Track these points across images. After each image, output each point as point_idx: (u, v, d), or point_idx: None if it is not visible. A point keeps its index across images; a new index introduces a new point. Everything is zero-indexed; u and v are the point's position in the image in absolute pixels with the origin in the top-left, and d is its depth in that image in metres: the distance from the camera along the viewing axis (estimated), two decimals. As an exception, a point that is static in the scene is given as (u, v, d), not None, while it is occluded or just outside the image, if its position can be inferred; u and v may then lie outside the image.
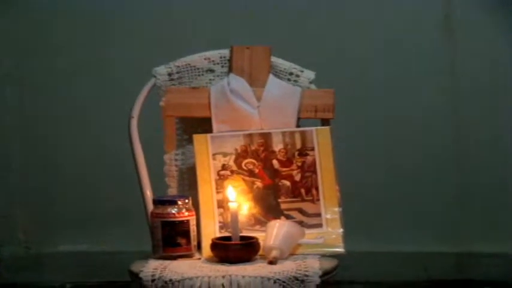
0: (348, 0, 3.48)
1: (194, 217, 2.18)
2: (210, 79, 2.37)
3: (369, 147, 3.48)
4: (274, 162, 2.28)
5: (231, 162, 2.27)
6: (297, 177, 2.26)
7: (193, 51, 2.39)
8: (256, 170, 2.27)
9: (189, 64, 2.37)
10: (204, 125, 2.33)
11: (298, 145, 2.28)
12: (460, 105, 3.49)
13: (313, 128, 2.29)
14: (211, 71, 2.38)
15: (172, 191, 2.34)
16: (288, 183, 2.26)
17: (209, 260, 2.13)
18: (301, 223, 2.21)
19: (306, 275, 1.99)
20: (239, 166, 2.27)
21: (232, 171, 2.26)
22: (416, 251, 3.49)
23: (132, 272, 2.07)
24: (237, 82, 2.32)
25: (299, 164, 2.27)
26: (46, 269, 3.60)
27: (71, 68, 3.55)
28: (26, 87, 3.58)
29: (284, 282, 1.97)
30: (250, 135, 2.28)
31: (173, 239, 2.13)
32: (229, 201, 2.17)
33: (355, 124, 3.39)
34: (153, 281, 2.00)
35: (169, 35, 3.46)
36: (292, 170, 2.27)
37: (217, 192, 2.24)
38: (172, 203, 2.15)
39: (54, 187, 3.58)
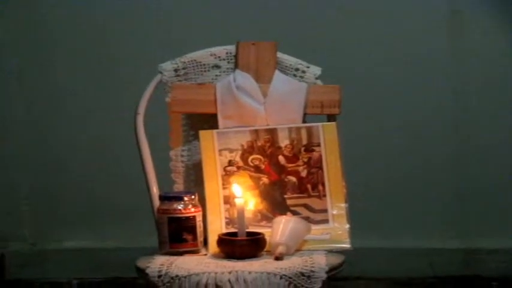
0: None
1: (200, 213, 2.18)
2: (216, 75, 2.37)
3: (374, 144, 3.47)
4: (281, 158, 2.28)
5: (237, 158, 2.27)
6: (303, 173, 2.26)
7: (199, 48, 2.39)
8: (263, 166, 2.27)
9: (195, 60, 2.37)
10: (210, 121, 2.33)
11: (305, 141, 2.28)
12: (464, 102, 3.48)
13: (320, 124, 2.28)
14: (217, 67, 2.37)
15: (179, 187, 2.35)
16: (294, 179, 2.26)
17: (215, 256, 2.13)
18: (307, 219, 2.21)
19: (313, 271, 1.99)
20: (245, 162, 2.27)
21: (238, 167, 2.26)
22: (423, 247, 3.48)
23: (139, 268, 2.08)
24: (243, 78, 2.32)
25: (305, 159, 2.27)
26: (51, 265, 3.60)
27: (76, 65, 3.55)
28: (32, 85, 3.58)
29: (290, 278, 1.97)
30: (256, 131, 2.28)
31: (179, 234, 2.13)
32: (235, 197, 2.17)
33: (361, 120, 3.38)
34: (159, 276, 2.00)
35: (176, 31, 3.45)
36: (299, 165, 2.27)
37: (224, 188, 2.24)
38: (179, 199, 2.15)
39: (59, 183, 3.58)
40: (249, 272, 1.97)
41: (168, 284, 1.98)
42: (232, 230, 2.18)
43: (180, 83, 2.35)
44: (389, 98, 3.48)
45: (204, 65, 2.37)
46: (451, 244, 3.49)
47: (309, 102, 2.31)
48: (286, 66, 2.36)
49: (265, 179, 2.26)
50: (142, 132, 2.32)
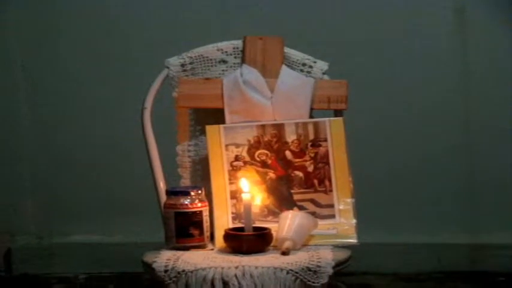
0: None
1: (207, 208, 2.18)
2: (223, 70, 2.37)
3: (382, 139, 3.47)
4: (287, 153, 2.27)
5: (244, 153, 2.26)
6: (310, 168, 2.26)
7: (206, 43, 2.39)
8: (269, 161, 2.27)
9: (201, 55, 2.36)
10: (217, 116, 2.33)
11: (311, 136, 2.28)
12: (470, 97, 3.48)
13: (326, 119, 2.28)
14: (224, 61, 2.37)
15: (185, 181, 2.35)
16: (301, 174, 2.26)
17: (222, 251, 2.13)
18: (314, 214, 2.20)
19: (319, 266, 1.99)
20: (252, 157, 2.27)
21: (245, 162, 2.26)
22: (430, 242, 3.48)
23: (145, 263, 2.08)
24: (250, 73, 2.32)
25: (312, 155, 2.27)
26: (58, 259, 3.61)
27: (82, 60, 3.56)
28: (38, 78, 3.59)
29: (297, 273, 1.97)
30: (263, 126, 2.28)
31: (186, 229, 2.13)
32: (242, 192, 2.17)
33: (369, 115, 3.38)
34: (166, 271, 2.00)
35: (183, 26, 3.45)
36: (305, 161, 2.27)
37: (230, 183, 2.24)
38: (186, 193, 2.15)
39: (66, 177, 3.59)
40: (256, 267, 1.97)
41: (175, 279, 1.98)
42: (239, 225, 2.18)
43: (187, 77, 2.35)
44: (397, 92, 3.48)
45: (211, 60, 2.37)
46: (459, 239, 3.48)
47: (316, 97, 2.31)
48: (293, 61, 2.36)
49: (271, 174, 2.26)
50: (149, 127, 2.32)
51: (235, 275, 1.96)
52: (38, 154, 3.60)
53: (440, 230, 3.49)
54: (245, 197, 2.15)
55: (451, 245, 3.49)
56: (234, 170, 2.25)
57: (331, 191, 2.24)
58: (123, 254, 3.45)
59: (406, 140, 3.48)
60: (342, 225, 2.21)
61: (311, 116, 2.31)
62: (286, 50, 2.36)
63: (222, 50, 2.37)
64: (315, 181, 2.25)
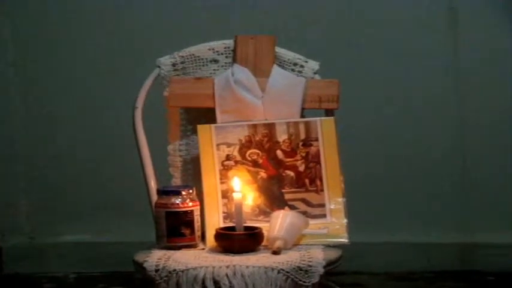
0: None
1: (198, 207, 2.18)
2: (214, 69, 2.37)
3: (373, 138, 3.48)
4: (279, 152, 2.28)
5: (235, 153, 2.26)
6: (301, 168, 2.26)
7: (197, 42, 2.39)
8: (261, 161, 2.27)
9: (193, 54, 2.36)
10: (208, 116, 2.33)
11: (303, 135, 2.28)
12: (461, 99, 3.49)
13: (318, 119, 2.28)
14: (216, 61, 2.37)
15: (177, 181, 2.34)
16: (292, 173, 2.26)
17: (213, 250, 2.13)
18: (305, 213, 2.21)
19: (310, 265, 1.99)
20: (243, 156, 2.27)
21: (236, 162, 2.26)
22: (420, 241, 3.49)
23: (136, 262, 2.07)
24: (242, 72, 2.32)
25: (303, 154, 2.27)
26: (49, 259, 3.60)
27: (75, 58, 3.55)
28: (32, 77, 3.58)
29: (288, 272, 1.97)
30: (254, 126, 2.28)
31: (177, 229, 2.13)
32: (233, 191, 2.17)
33: (360, 114, 3.39)
34: (157, 271, 2.00)
35: (175, 25, 3.45)
36: (297, 160, 2.27)
37: (222, 183, 2.24)
38: (177, 193, 2.15)
39: (58, 177, 3.58)
40: (247, 266, 1.97)
41: (166, 278, 1.98)
42: (230, 224, 2.18)
43: (178, 77, 2.35)
44: (388, 92, 3.48)
45: (202, 59, 2.37)
46: (448, 239, 3.49)
47: (307, 96, 2.31)
48: (285, 61, 2.36)
49: (263, 174, 2.26)
50: (141, 127, 2.32)
51: (226, 275, 1.95)
52: (31, 154, 3.60)
53: (430, 229, 3.50)
54: (236, 196, 2.15)
55: (441, 245, 3.49)
56: (225, 169, 2.25)
57: (322, 190, 2.24)
58: (114, 253, 3.44)
59: (397, 140, 3.48)
60: (333, 224, 2.21)
61: (302, 116, 2.31)
62: (278, 49, 2.36)
63: (213, 49, 2.37)
64: (306, 180, 2.26)
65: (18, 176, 3.61)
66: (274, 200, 2.24)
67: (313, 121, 2.28)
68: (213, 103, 2.31)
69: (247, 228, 2.14)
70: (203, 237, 2.19)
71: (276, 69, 2.33)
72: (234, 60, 2.35)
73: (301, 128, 2.28)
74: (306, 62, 2.37)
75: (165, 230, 2.13)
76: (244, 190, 2.20)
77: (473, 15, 3.46)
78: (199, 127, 2.27)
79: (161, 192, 2.17)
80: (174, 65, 2.36)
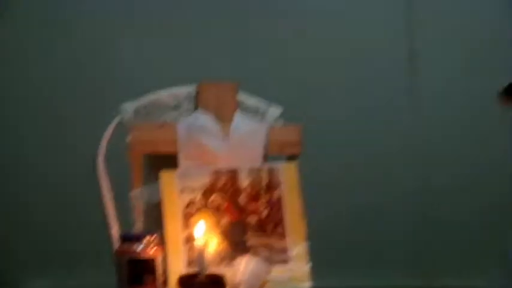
0: (311, 33, 3.51)
1: (161, 253, 2.16)
2: (177, 115, 2.37)
3: (335, 182, 3.49)
4: (241, 198, 2.28)
5: (198, 198, 2.26)
6: (264, 213, 2.27)
7: (160, 87, 2.39)
8: (224, 206, 2.27)
9: (155, 101, 2.37)
10: (171, 161, 2.33)
11: (265, 181, 2.29)
12: (426, 138, 3.52)
13: (280, 164, 2.29)
14: (178, 107, 2.38)
15: (139, 226, 2.33)
16: (255, 219, 2.26)
17: (176, 297, 2.12)
18: (268, 259, 2.20)
19: (273, 312, 1.99)
20: (206, 202, 2.27)
21: (199, 207, 2.26)
22: (385, 285, 3.49)
23: (98, 310, 2.06)
24: (204, 118, 2.32)
25: (266, 200, 2.27)
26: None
27: (34, 104, 3.53)
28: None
29: (251, 319, 1.97)
30: (217, 172, 2.28)
31: (139, 276, 2.11)
32: (196, 237, 2.16)
33: (323, 158, 3.40)
34: (118, 319, 1.98)
35: (137, 71, 3.46)
36: (259, 206, 2.27)
37: (185, 229, 2.23)
38: (139, 239, 2.14)
39: (17, 225, 3.53)
40: (209, 314, 1.96)
41: (127, 327, 1.97)
42: (194, 270, 2.17)
43: (140, 123, 2.35)
44: (351, 135, 3.50)
45: (164, 105, 2.37)
46: (415, 282, 3.50)
47: (270, 142, 2.32)
48: (247, 107, 2.38)
49: (226, 219, 2.26)
50: (103, 173, 2.31)
51: (188, 322, 1.95)
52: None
53: (396, 273, 3.50)
54: (199, 242, 2.14)
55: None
56: (188, 215, 2.25)
57: (284, 236, 2.24)
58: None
59: (360, 183, 3.50)
60: (296, 270, 2.21)
61: (265, 160, 2.32)
62: (240, 96, 2.37)
63: (176, 95, 2.38)
64: (269, 226, 2.26)
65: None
66: (237, 245, 2.24)
67: (275, 167, 2.29)
68: (175, 149, 2.31)
69: (210, 275, 2.13)
70: (165, 284, 2.18)
71: (238, 116, 2.34)
72: (197, 107, 2.36)
73: (264, 173, 2.29)
74: (268, 107, 2.39)
75: (126, 277, 2.11)
76: (207, 236, 2.20)
77: (434, 57, 3.50)
78: (162, 173, 2.27)
79: (123, 238, 2.15)
80: (136, 111, 2.36)
